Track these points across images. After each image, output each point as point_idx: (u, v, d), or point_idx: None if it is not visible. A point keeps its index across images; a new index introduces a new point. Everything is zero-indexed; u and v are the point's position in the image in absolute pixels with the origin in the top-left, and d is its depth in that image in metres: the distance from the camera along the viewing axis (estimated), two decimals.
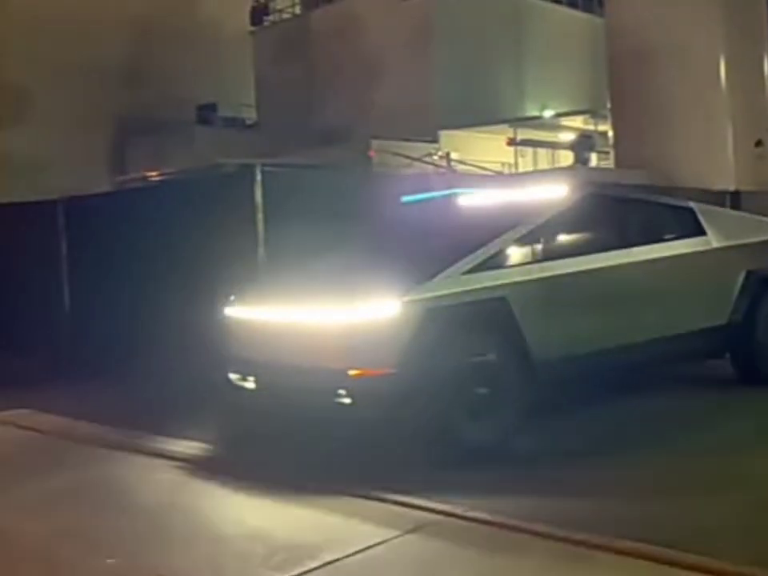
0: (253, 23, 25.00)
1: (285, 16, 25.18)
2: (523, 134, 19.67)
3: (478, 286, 5.32)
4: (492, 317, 5.36)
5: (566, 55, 22.47)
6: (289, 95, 22.36)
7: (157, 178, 15.61)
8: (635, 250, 6.22)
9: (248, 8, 24.98)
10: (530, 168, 18.93)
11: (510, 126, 19.66)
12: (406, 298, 4.98)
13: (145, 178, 16.41)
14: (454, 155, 16.66)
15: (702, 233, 6.78)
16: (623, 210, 6.51)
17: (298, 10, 25.05)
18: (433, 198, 7.25)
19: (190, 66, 22.31)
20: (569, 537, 3.73)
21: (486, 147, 18.92)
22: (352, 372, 4.92)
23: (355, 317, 4.96)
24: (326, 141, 19.65)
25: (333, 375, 4.96)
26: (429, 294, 5.11)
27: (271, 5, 25.34)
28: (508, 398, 5.32)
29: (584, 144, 17.69)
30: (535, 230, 5.77)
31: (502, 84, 21.51)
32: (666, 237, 6.68)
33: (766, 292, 6.96)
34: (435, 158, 17.36)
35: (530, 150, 20.35)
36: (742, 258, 6.96)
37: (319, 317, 5.14)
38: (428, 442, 5.12)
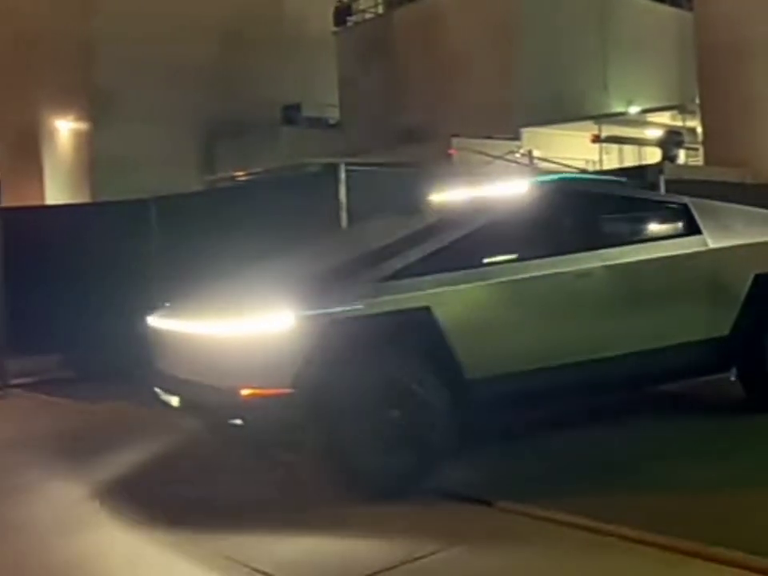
0: (336, 24, 25.34)
1: (368, 16, 25.42)
2: (608, 130, 19.35)
3: (397, 294, 4.69)
4: (412, 330, 4.71)
5: (652, 49, 22.01)
6: (371, 94, 22.58)
7: (244, 178, 16.06)
8: (604, 252, 5.44)
9: (331, 9, 25.32)
10: (616, 165, 18.61)
11: (595, 123, 19.37)
12: (303, 310, 4.46)
13: (233, 178, 16.89)
14: (536, 153, 16.50)
15: (697, 232, 5.88)
16: (596, 207, 5.75)
17: (380, 9, 25.25)
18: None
19: (276, 67, 22.77)
20: None
21: (569, 144, 18.69)
22: (244, 392, 4.45)
23: (244, 331, 4.51)
24: (407, 139, 19.77)
25: (225, 394, 4.51)
26: (335, 305, 4.55)
27: (354, 5, 25.64)
28: (432, 422, 4.62)
29: (672, 141, 17.28)
30: (475, 231, 5.14)
31: (586, 79, 21.22)
32: (649, 237, 5.97)
33: None
34: (517, 155, 17.24)
35: (615, 147, 20.01)
36: (751, 260, 6.03)
37: (213, 331, 4.69)
38: (330, 473, 4.54)
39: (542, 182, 5.80)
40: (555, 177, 6.49)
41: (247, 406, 4.47)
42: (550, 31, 20.40)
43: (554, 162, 16.03)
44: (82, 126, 21.77)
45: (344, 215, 7.39)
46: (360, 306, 4.58)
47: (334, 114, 24.20)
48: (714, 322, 5.77)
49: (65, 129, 22.11)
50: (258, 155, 19.17)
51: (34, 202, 18.86)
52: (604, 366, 5.26)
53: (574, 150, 18.33)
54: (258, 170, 16.60)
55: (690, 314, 5.70)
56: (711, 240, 5.90)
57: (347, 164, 7.64)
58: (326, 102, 23.59)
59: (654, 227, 6.14)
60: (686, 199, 6.16)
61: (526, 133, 18.94)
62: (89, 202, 17.56)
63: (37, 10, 21.30)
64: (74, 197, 20.46)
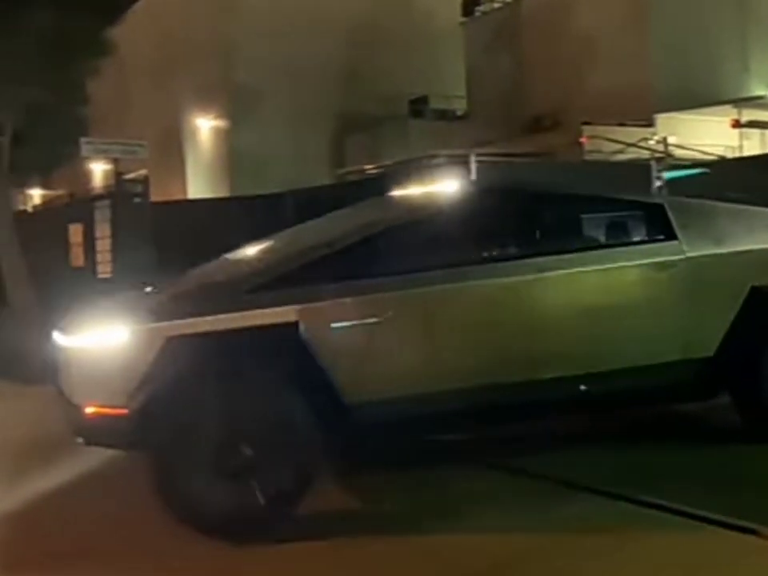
0: (464, 14, 25.33)
1: (496, 5, 25.26)
2: (750, 114, 18.47)
3: (261, 308, 4.17)
4: (275, 348, 4.15)
5: None
6: (499, 84, 22.47)
7: (373, 171, 16.43)
8: (536, 262, 4.72)
9: (459, 0, 25.35)
10: (757, 152, 17.76)
11: (734, 107, 18.54)
12: (140, 324, 4.11)
13: (362, 171, 17.32)
14: (671, 139, 16.01)
15: (671, 237, 5.07)
16: (537, 209, 5.02)
17: None
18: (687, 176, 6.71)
19: (404, 60, 23.08)
20: None
21: (707, 130, 17.99)
22: (88, 410, 4.16)
23: (87, 346, 4.25)
24: (535, 129, 19.61)
25: (75, 412, 4.24)
26: (179, 318, 4.13)
27: None
28: (295, 449, 4.06)
29: None
30: (371, 237, 4.56)
31: (724, 61, 20.31)
32: (603, 243, 5.11)
33: None
34: (651, 142, 16.78)
35: (757, 133, 19.08)
36: (747, 269, 5.16)
37: (68, 345, 4.40)
38: (168, 502, 4.00)
39: (473, 182, 5.28)
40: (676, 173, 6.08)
41: (88, 425, 4.18)
42: (684, 9, 19.65)
43: (691, 149, 15.53)
44: (221, 123, 22.85)
45: None
46: (209, 320, 4.10)
47: (461, 106, 24.25)
48: (694, 342, 4.97)
49: (206, 127, 23.26)
50: (386, 148, 19.54)
51: (177, 196, 19.99)
52: (529, 390, 4.59)
53: (713, 136, 17.63)
54: (387, 162, 16.96)
55: (657, 332, 4.90)
56: (689, 247, 5.04)
57: (477, 155, 7.73)
58: (453, 93, 23.68)
59: (614, 232, 5.24)
60: (661, 199, 5.47)
61: (661, 119, 18.38)
62: (228, 196, 18.43)
63: (183, 10, 22.48)
64: (213, 191, 21.52)
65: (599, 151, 15.89)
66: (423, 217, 4.75)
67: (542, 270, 4.68)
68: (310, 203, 10.56)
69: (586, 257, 4.84)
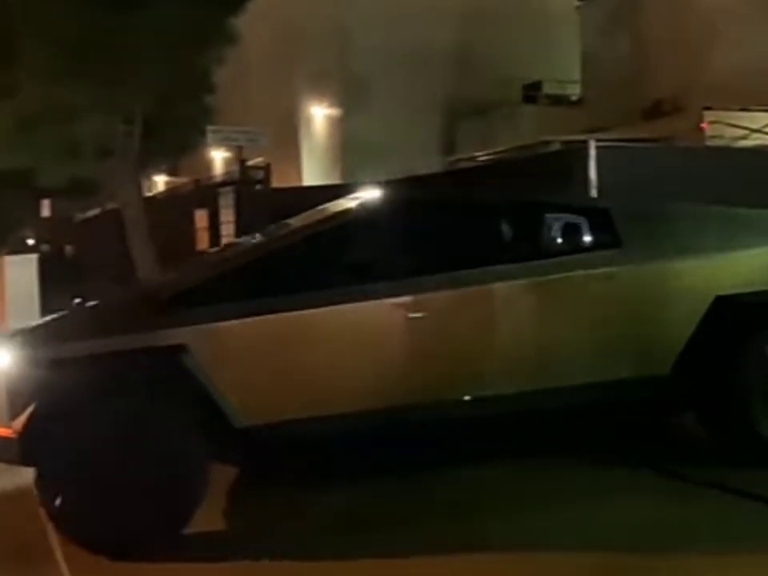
0: None
1: None
2: None
3: (151, 330, 4.08)
4: (163, 372, 4.06)
5: None
6: (616, 68, 21.90)
7: (485, 158, 16.39)
8: (443, 277, 4.40)
9: None
10: None
11: None
12: (23, 349, 4.14)
13: (473, 159, 17.30)
14: None
15: (614, 245, 4.63)
16: (453, 219, 4.65)
17: None
18: None
19: (517, 45, 22.82)
20: None
21: None
22: None
23: None
24: (653, 114, 19.05)
25: None
26: (64, 343, 4.15)
27: None
28: (181, 473, 4.01)
29: None
30: (268, 254, 4.50)
31: None
32: (529, 255, 4.66)
33: (754, 331, 4.66)
34: None
35: None
36: (711, 278, 4.70)
37: None
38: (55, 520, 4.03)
39: (385, 191, 4.92)
40: None
41: None
42: None
43: None
44: (334, 111, 23.25)
45: (594, 194, 7.39)
46: (96, 343, 4.09)
47: (575, 91, 23.81)
48: (644, 358, 4.60)
49: (320, 115, 23.72)
50: (498, 135, 19.43)
51: (293, 183, 20.52)
52: (439, 411, 4.35)
53: None
54: (499, 149, 16.88)
55: (596, 349, 4.53)
56: (636, 254, 4.61)
57: (597, 140, 7.56)
58: (567, 78, 23.27)
59: (547, 241, 4.76)
60: (608, 203, 5.07)
61: None
62: (343, 183, 18.78)
63: None
64: (326, 178, 21.96)
65: (721, 137, 15.32)
66: (316, 233, 4.59)
67: (454, 285, 4.39)
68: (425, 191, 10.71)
69: (508, 270, 4.51)
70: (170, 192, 19.25)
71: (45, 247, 13.68)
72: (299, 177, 23.17)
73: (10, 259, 13.80)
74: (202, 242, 12.22)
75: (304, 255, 4.45)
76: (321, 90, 23.24)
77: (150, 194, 19.21)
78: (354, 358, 4.36)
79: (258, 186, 11.52)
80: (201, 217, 12.24)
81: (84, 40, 10.16)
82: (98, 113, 10.43)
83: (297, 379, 4.28)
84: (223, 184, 12.15)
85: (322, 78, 22.97)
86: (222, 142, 12.34)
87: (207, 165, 25.50)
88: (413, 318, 4.33)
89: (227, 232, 11.85)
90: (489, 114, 21.39)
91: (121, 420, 4.00)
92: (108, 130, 10.84)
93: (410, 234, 4.53)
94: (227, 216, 11.80)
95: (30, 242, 32.64)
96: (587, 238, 4.73)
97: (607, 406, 4.68)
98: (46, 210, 15.82)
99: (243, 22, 11.76)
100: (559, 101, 23.12)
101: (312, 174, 23.28)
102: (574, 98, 23.86)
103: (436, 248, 4.60)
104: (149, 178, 20.91)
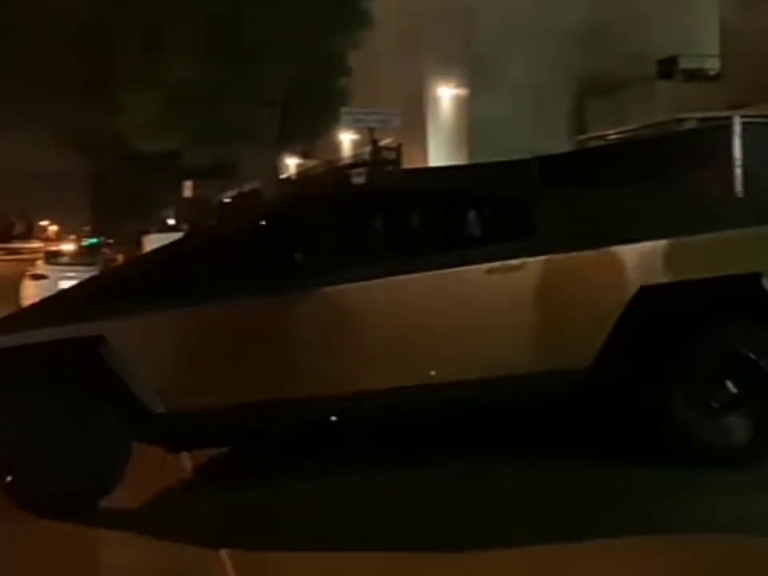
0: None
1: None
2: None
3: (70, 322, 4.40)
4: (79, 360, 4.40)
5: None
6: (758, 41, 20.86)
7: (616, 136, 15.99)
8: (337, 274, 4.44)
9: None
10: None
11: None
12: None
13: (604, 137, 16.91)
14: None
15: (527, 235, 4.50)
16: (358, 215, 4.71)
17: None
18: None
19: (650, 19, 22.05)
20: None
21: None
22: None
23: None
24: None
25: None
26: (5, 332, 4.54)
27: None
28: (102, 454, 4.43)
29: None
30: (188, 250, 4.79)
31: None
32: (447, 245, 4.63)
33: (685, 321, 4.45)
34: None
35: None
36: (635, 268, 4.49)
37: None
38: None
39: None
40: None
41: None
42: None
43: None
44: (461, 91, 23.22)
45: (739, 175, 7.14)
46: (26, 336, 4.44)
47: (713, 66, 22.82)
48: (562, 352, 4.46)
49: (446, 95, 23.75)
50: (630, 113, 18.90)
51: (419, 164, 20.69)
52: (343, 403, 4.41)
53: None
54: (632, 127, 16.43)
55: (511, 341, 4.46)
56: (550, 245, 4.47)
57: (743, 117, 7.27)
58: (705, 52, 22.32)
59: (464, 232, 4.75)
60: (526, 193, 4.86)
61: None
62: (470, 164, 18.79)
63: None
64: (452, 160, 22.00)
65: None
66: (221, 235, 4.88)
67: (358, 279, 4.41)
68: (557, 170, 10.58)
69: (423, 261, 4.50)
70: (304, 174, 19.81)
71: (186, 227, 14.41)
72: (425, 158, 23.31)
73: (154, 237, 14.63)
74: None
75: (210, 255, 4.70)
76: (448, 70, 23.25)
77: (284, 176, 19.82)
78: (257, 350, 4.50)
79: (389, 167, 11.71)
80: None
81: (228, 26, 10.65)
82: (241, 97, 10.94)
83: (204, 370, 4.50)
84: (355, 165, 12.43)
85: (449, 59, 22.97)
86: (355, 124, 12.62)
87: (336, 147, 26.02)
88: (311, 314, 4.47)
89: None
90: (621, 91, 20.82)
91: (49, 405, 4.43)
92: (250, 114, 11.34)
93: (311, 233, 4.65)
94: None
95: (171, 221, 34.37)
96: (509, 229, 4.67)
97: (530, 398, 4.59)
98: (188, 192, 16.62)
99: (374, 5, 11.95)
100: (695, 76, 22.21)
101: (438, 156, 23.37)
102: (711, 73, 22.88)
103: (336, 244, 4.62)
104: (282, 160, 21.59)
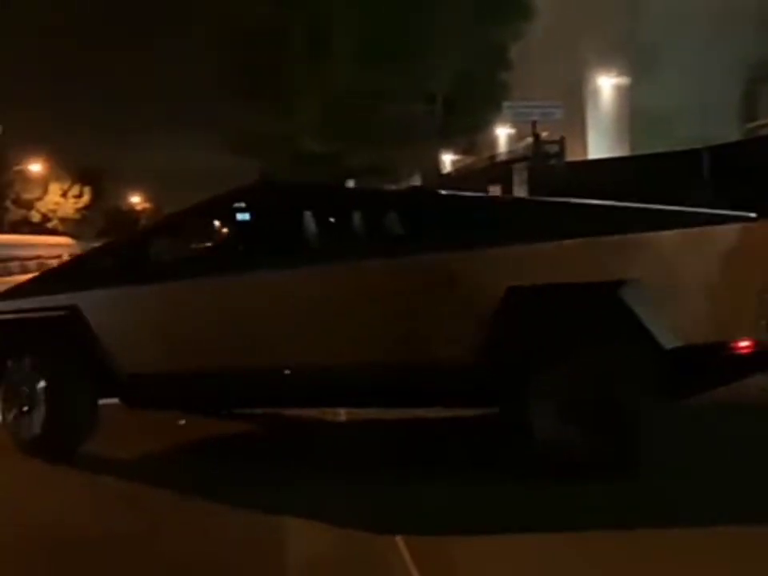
0: None
1: None
2: None
3: (50, 294, 5.40)
4: (55, 326, 5.34)
5: None
6: None
7: None
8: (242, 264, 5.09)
9: None
10: None
11: None
12: None
13: None
14: None
15: (419, 234, 4.88)
16: (260, 218, 5.29)
17: None
18: None
19: None
20: None
21: None
22: None
23: None
24: None
25: None
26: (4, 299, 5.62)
27: None
28: (75, 409, 5.30)
29: None
30: (144, 236, 6.03)
31: None
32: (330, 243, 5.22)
33: (550, 322, 4.50)
34: None
35: None
36: (501, 269, 4.64)
37: None
38: None
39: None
40: None
41: None
42: None
43: None
44: (622, 81, 22.48)
45: None
46: (19, 302, 5.49)
47: None
48: (437, 347, 4.71)
49: (607, 85, 23.07)
50: None
51: (578, 156, 20.20)
52: (266, 377, 4.97)
53: None
54: None
55: (390, 335, 4.76)
56: (420, 245, 4.76)
57: None
58: None
59: (325, 236, 5.24)
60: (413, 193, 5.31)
61: None
62: (635, 155, 18.17)
63: None
64: (612, 151, 21.33)
65: None
66: (180, 221, 5.74)
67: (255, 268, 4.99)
68: (731, 159, 10.00)
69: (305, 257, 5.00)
70: (464, 170, 19.83)
71: None
72: (584, 150, 22.74)
73: None
74: None
75: (169, 240, 5.64)
76: (609, 59, 22.56)
77: (443, 173, 19.93)
78: (193, 325, 5.19)
79: (552, 161, 11.49)
80: (494, 192, 12.50)
81: (389, 26, 10.79)
82: (402, 95, 11.07)
83: (156, 339, 5.23)
84: (517, 160, 12.29)
85: (610, 48, 22.29)
86: (517, 117, 12.48)
87: (491, 142, 25.83)
88: (238, 296, 5.10)
89: None
90: None
91: (36, 363, 5.39)
92: (411, 111, 11.46)
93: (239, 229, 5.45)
94: (521, 192, 11.95)
95: None
96: (392, 228, 5.01)
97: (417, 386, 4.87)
98: None
99: None
100: None
101: (597, 148, 22.73)
102: None
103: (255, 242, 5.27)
104: (441, 156, 21.69)
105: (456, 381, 4.73)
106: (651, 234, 4.56)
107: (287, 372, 5.01)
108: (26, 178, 54.65)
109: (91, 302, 5.33)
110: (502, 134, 24.76)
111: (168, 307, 5.32)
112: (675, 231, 4.57)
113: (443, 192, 5.62)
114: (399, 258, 4.89)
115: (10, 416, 5.45)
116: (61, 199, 60.14)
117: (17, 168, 51.93)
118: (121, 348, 5.25)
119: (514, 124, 19.32)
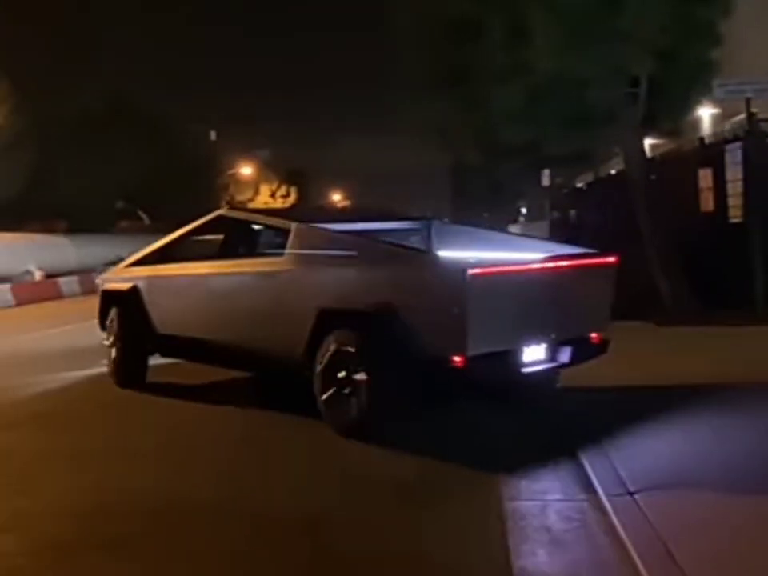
0: None
1: None
2: None
3: (128, 274, 9.25)
4: (127, 297, 8.94)
5: None
6: None
7: None
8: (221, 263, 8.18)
9: None
10: None
11: None
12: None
13: None
14: None
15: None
16: (239, 229, 8.40)
17: None
18: None
19: None
20: None
21: None
22: None
23: None
24: None
25: None
26: (115, 275, 9.69)
27: None
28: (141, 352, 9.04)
29: None
30: (173, 241, 9.02)
31: None
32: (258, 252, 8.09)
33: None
34: None
35: None
36: (315, 290, 6.78)
37: None
38: None
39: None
40: None
41: None
42: None
43: None
44: None
45: None
46: (100, 282, 9.94)
47: None
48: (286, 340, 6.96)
49: None
50: None
51: None
52: (226, 346, 7.69)
53: None
54: None
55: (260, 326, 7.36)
56: (290, 258, 7.11)
57: None
58: None
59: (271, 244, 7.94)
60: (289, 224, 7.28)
61: None
62: None
63: None
64: None
65: None
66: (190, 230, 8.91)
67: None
68: None
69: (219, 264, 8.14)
70: (669, 154, 18.91)
71: (554, 214, 14.48)
72: None
73: (523, 225, 15.00)
74: (707, 202, 11.79)
75: (181, 243, 8.98)
76: None
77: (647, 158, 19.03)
78: (189, 303, 8.30)
79: None
80: (705, 176, 11.81)
81: (591, 9, 10.48)
82: (603, 79, 10.71)
83: (173, 311, 8.52)
84: (730, 140, 11.54)
85: None
86: (729, 95, 11.69)
87: (693, 123, 24.34)
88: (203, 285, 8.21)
89: (734, 191, 11.28)
90: None
91: (119, 317, 9.08)
92: (613, 96, 11.07)
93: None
94: (734, 174, 11.22)
95: (523, 210, 34.89)
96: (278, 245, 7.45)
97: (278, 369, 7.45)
98: (545, 180, 16.73)
99: None
100: None
101: None
102: None
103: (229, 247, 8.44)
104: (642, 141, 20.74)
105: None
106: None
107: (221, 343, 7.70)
108: (238, 180, 58.53)
109: (142, 284, 8.80)
110: (705, 114, 23.24)
111: (176, 292, 8.50)
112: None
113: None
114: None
115: (111, 352, 9.08)
116: (270, 199, 63.75)
117: (230, 172, 55.71)
118: (156, 316, 8.58)
119: (718, 103, 18.15)
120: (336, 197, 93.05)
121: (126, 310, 8.85)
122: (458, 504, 4.78)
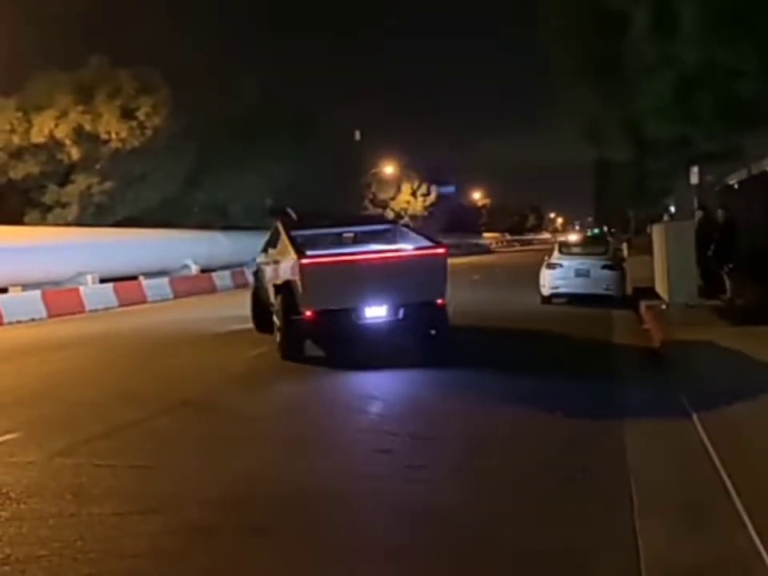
0: None
1: None
2: None
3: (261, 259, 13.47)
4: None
5: None
6: None
7: None
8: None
9: None
10: None
11: None
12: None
13: None
14: None
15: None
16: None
17: None
18: None
19: None
20: None
21: None
22: None
23: None
24: None
25: None
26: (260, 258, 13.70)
27: None
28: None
29: None
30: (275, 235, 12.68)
31: None
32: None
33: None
34: None
35: None
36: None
37: None
38: None
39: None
40: None
41: None
42: None
43: None
44: None
45: None
46: (262, 261, 13.76)
47: None
48: None
49: None
50: None
51: None
52: None
53: None
54: None
55: None
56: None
57: None
58: None
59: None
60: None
61: None
62: None
63: None
64: None
65: None
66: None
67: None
68: None
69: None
70: None
71: (699, 213, 14.05)
72: None
73: (665, 225, 14.72)
74: None
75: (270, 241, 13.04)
76: None
77: None
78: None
79: None
80: None
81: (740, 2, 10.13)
82: (759, 73, 10.31)
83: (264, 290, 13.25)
84: None
85: None
86: None
87: None
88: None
89: None
90: None
91: (255, 288, 14.19)
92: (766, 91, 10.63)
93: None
94: None
95: (672, 209, 33.60)
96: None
97: None
98: (694, 178, 16.19)
99: None
100: None
101: None
102: None
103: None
104: None
105: None
106: None
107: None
108: (380, 179, 59.49)
109: (260, 265, 12.66)
110: None
111: (262, 276, 12.39)
112: None
113: None
114: None
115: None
116: (411, 198, 64.38)
117: (373, 171, 56.71)
118: (262, 291, 12.22)
119: None
120: (476, 195, 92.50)
121: (258, 286, 13.93)
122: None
